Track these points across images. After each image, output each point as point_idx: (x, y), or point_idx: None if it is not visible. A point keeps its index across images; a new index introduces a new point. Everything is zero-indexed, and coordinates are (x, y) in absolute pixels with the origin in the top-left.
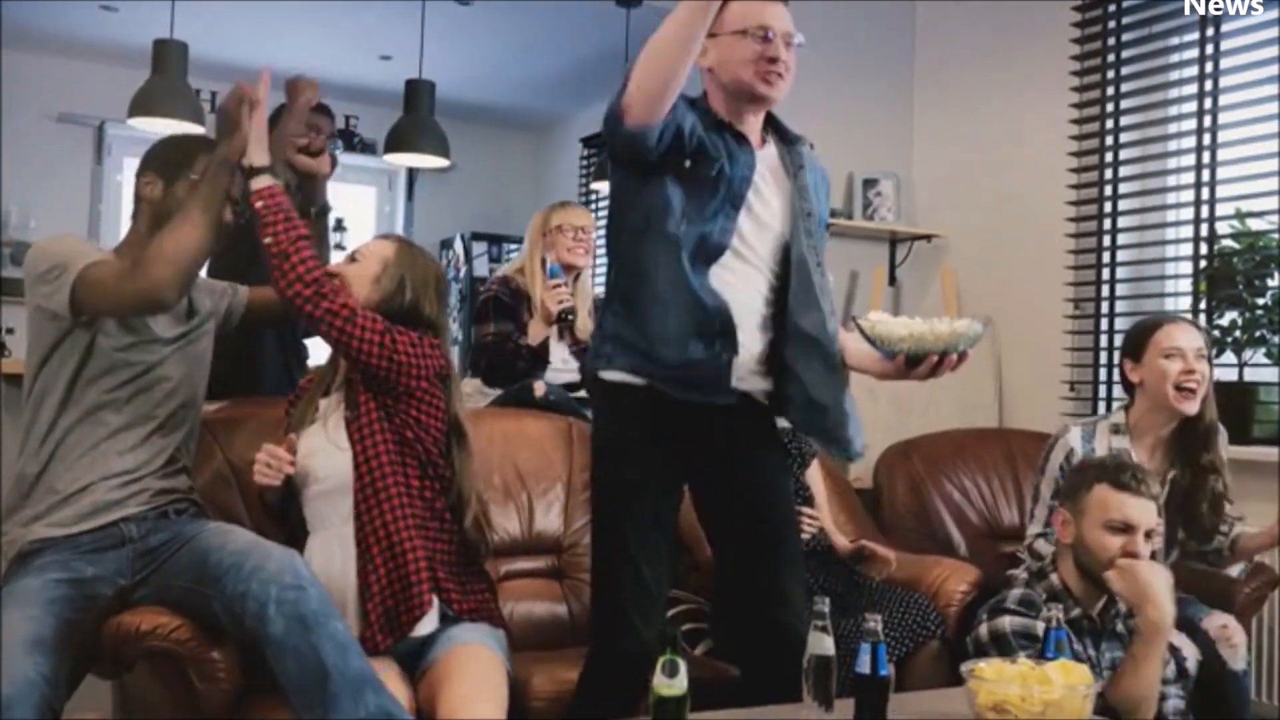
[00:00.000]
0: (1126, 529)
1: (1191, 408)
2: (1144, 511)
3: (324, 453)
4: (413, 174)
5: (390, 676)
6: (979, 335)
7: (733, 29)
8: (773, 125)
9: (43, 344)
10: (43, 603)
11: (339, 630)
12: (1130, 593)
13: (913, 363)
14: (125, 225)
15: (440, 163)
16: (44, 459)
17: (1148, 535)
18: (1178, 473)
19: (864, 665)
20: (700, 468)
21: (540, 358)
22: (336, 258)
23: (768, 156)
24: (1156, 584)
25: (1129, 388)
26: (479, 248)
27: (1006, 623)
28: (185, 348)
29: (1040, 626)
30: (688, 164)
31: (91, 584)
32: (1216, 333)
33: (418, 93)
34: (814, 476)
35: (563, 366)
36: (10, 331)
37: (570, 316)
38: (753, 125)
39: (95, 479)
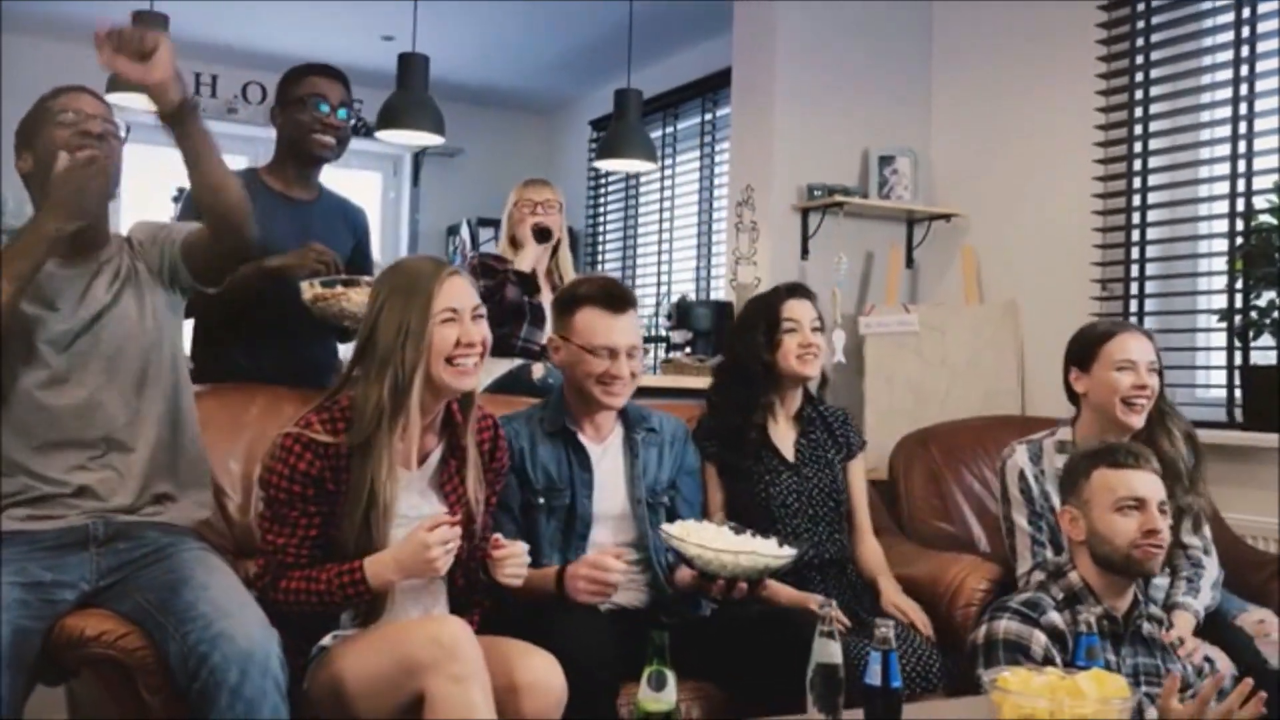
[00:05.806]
0: (1138, 505)
1: (1137, 422)
2: (1150, 484)
3: None
4: (418, 159)
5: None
6: (767, 569)
7: (580, 343)
8: (621, 412)
9: None
10: None
11: None
12: None
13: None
14: (137, 209)
15: (435, 140)
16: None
17: (1161, 510)
18: None
19: (874, 676)
20: None
21: (531, 283)
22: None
23: (609, 450)
24: None
25: (1073, 398)
26: (486, 233)
27: (1001, 628)
28: (93, 338)
29: (1040, 635)
30: (540, 500)
31: (50, 589)
32: (1254, 314)
33: (411, 67)
34: (856, 471)
35: None
36: None
37: (550, 233)
38: (603, 417)
39: (46, 488)
